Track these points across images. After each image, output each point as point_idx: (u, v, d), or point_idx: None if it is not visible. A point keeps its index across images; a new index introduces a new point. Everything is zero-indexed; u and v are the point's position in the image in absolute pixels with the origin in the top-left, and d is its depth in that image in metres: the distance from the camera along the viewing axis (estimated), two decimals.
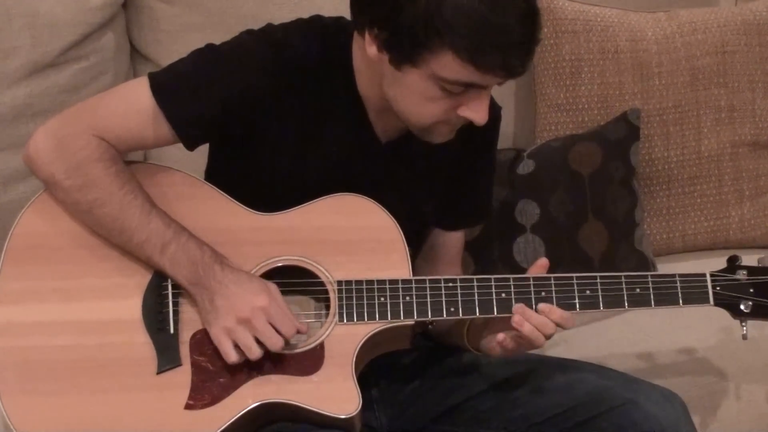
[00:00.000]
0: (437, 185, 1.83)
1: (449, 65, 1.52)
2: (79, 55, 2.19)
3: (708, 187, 2.48)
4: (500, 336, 1.66)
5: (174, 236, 1.63)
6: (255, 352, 1.59)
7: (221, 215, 1.70)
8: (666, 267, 2.33)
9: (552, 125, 2.43)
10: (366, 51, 1.59)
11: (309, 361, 1.62)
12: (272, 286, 1.63)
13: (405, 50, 1.53)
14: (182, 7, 2.29)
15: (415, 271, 1.72)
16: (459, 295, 1.66)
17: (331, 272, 1.66)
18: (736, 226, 2.49)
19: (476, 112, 1.59)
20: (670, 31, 2.46)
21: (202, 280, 1.61)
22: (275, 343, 1.59)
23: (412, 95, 1.58)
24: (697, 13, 2.51)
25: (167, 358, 1.62)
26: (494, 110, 1.76)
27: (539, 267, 1.70)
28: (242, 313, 1.58)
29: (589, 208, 2.30)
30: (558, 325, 1.64)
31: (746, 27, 2.49)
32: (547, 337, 1.65)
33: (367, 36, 1.58)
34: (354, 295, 1.65)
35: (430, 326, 1.80)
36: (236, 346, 1.60)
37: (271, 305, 1.60)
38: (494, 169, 1.92)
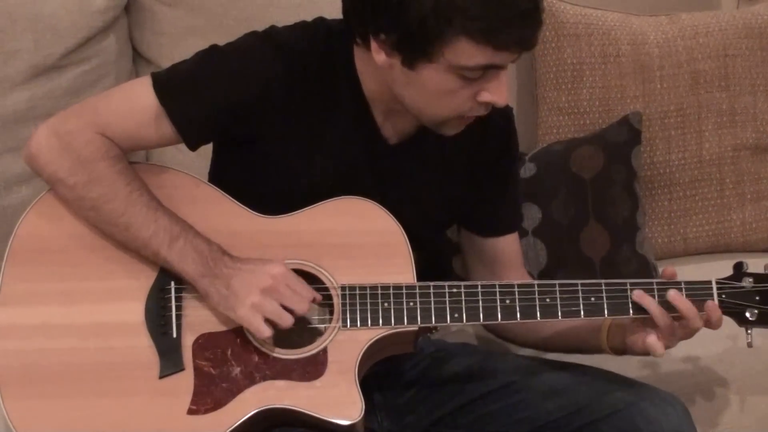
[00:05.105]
0: (452, 187, 1.81)
1: (466, 51, 1.51)
2: (82, 58, 2.19)
3: (709, 190, 2.48)
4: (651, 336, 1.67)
5: (182, 231, 1.63)
6: (287, 319, 1.59)
7: (225, 218, 1.69)
8: None
9: (553, 128, 2.43)
10: (372, 60, 1.59)
11: (312, 367, 1.61)
12: (278, 261, 1.63)
13: (418, 47, 1.52)
14: (184, 10, 2.28)
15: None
16: (463, 301, 1.65)
17: (334, 277, 1.66)
18: (738, 229, 2.49)
19: (496, 94, 1.58)
20: (671, 34, 2.46)
21: (213, 270, 1.60)
22: (302, 307, 1.59)
23: (431, 91, 1.58)
24: (699, 17, 2.51)
25: (170, 363, 1.61)
26: (505, 108, 1.76)
27: (670, 275, 1.71)
28: (264, 283, 1.58)
29: (591, 211, 2.30)
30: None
31: (748, 31, 2.49)
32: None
33: (373, 44, 1.57)
34: (357, 300, 1.64)
35: (434, 330, 1.80)
36: (266, 320, 1.59)
37: (287, 272, 1.60)
38: (518, 168, 1.91)
